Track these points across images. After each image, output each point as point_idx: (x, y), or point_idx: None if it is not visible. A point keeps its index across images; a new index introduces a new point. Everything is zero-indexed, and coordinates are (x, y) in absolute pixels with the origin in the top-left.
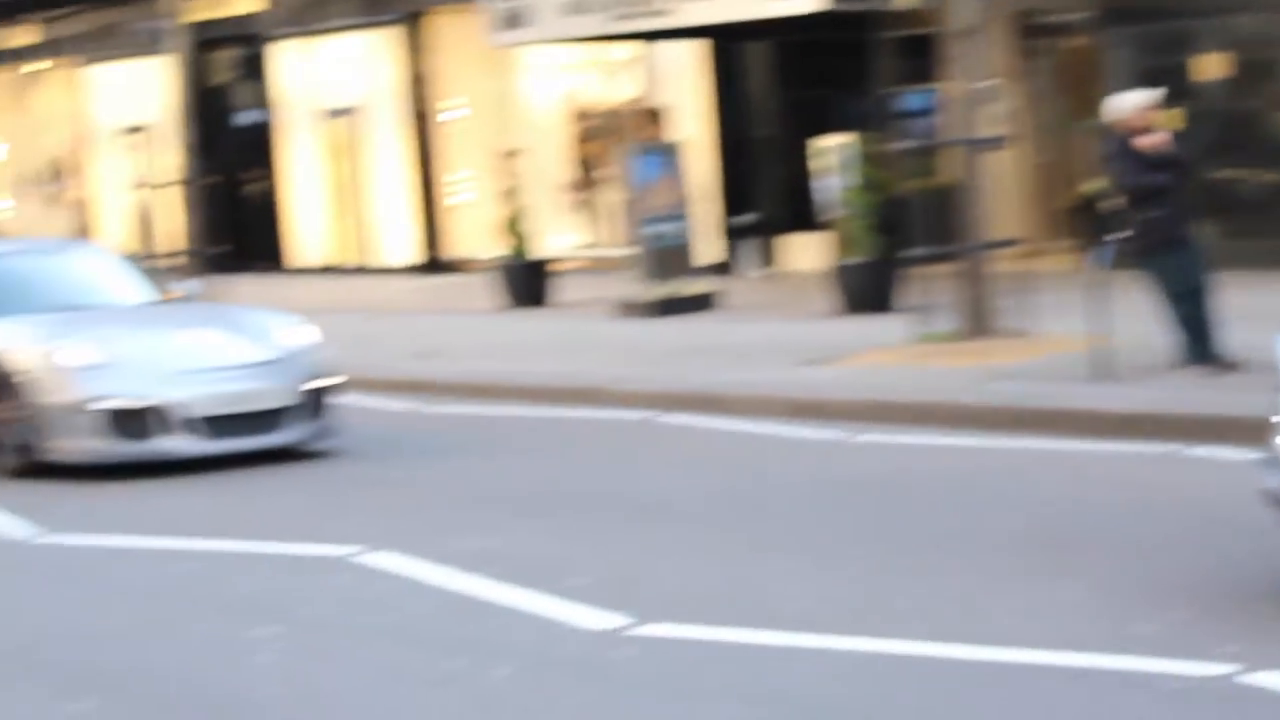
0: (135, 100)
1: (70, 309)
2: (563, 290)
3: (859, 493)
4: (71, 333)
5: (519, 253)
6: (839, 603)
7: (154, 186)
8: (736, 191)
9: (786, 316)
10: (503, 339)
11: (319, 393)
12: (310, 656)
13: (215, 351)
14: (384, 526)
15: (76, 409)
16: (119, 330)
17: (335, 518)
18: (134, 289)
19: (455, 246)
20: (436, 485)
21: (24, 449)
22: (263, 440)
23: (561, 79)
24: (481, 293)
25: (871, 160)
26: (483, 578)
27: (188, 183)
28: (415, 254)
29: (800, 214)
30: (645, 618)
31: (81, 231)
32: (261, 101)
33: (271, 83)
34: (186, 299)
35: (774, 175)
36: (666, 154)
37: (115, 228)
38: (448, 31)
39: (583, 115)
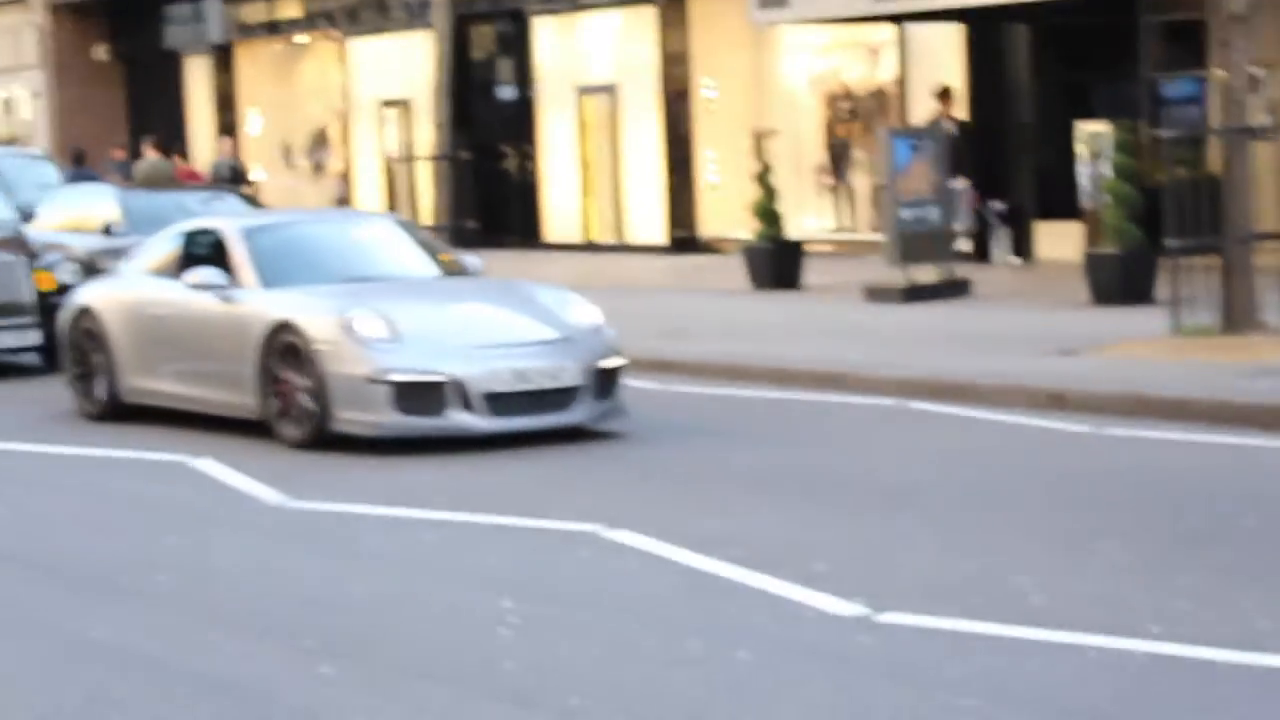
0: (395, 74)
1: (362, 280)
2: (812, 273)
3: (1108, 487)
4: (365, 304)
5: (770, 234)
6: (1083, 599)
7: (410, 160)
8: (992, 177)
9: (1039, 306)
10: (751, 320)
11: (608, 373)
12: (551, 630)
13: (505, 328)
14: (628, 504)
15: (368, 381)
16: (411, 303)
17: (579, 494)
18: (422, 262)
19: (706, 226)
20: (681, 465)
21: (314, 418)
22: (552, 419)
23: (817, 60)
24: (731, 274)
25: (1133, 148)
26: (724, 560)
27: (443, 157)
28: (666, 233)
29: (1056, 201)
30: (886, 606)
31: (341, 203)
32: (520, 77)
33: (530, 59)
34: (472, 274)
35: (1030, 161)
36: (925, 137)
37: (371, 200)
38: (706, 10)
39: (838, 97)
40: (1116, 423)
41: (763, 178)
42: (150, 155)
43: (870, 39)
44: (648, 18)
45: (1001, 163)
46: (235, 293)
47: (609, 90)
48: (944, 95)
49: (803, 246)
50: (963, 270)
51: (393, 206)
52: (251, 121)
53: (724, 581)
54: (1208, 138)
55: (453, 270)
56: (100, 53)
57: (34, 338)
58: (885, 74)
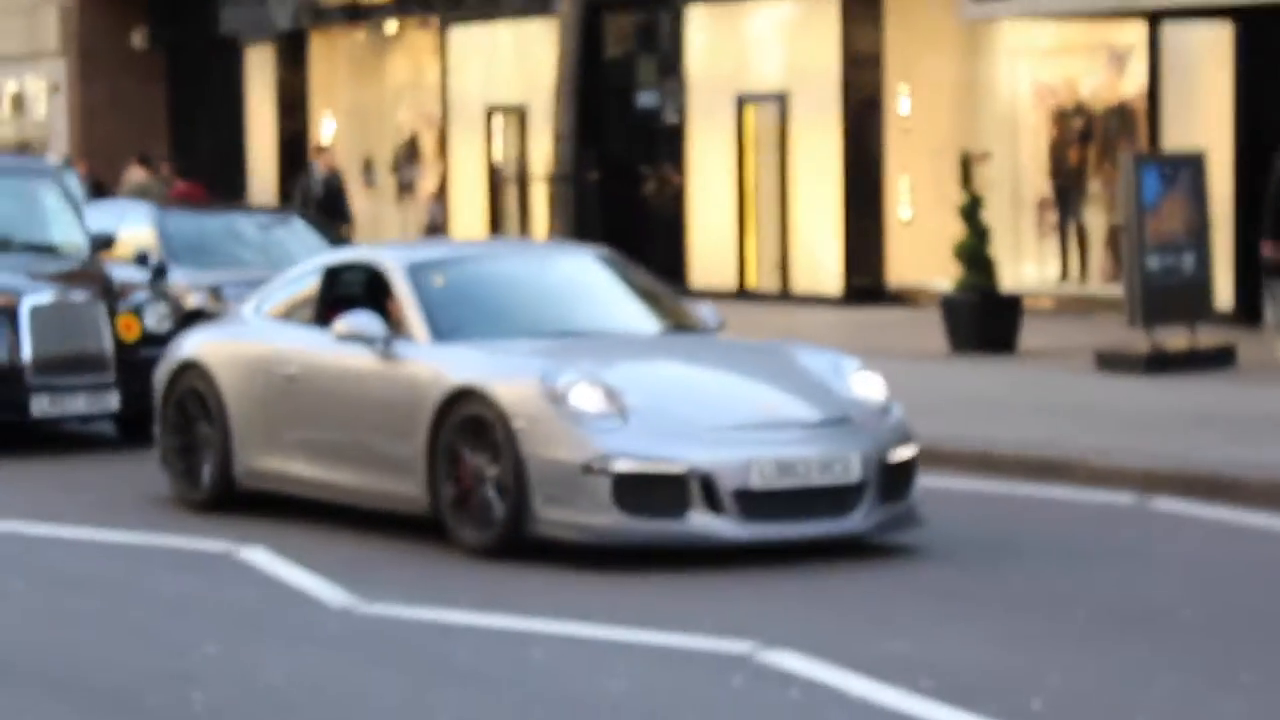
0: (507, 73)
1: (565, 335)
2: (1030, 334)
3: None
4: (577, 367)
5: (978, 284)
6: None
7: (523, 180)
8: (1261, 214)
9: None
10: (955, 392)
11: (900, 467)
12: None
13: (762, 403)
14: (789, 619)
15: (585, 471)
16: (635, 368)
17: (728, 603)
18: (641, 313)
19: (895, 273)
20: (859, 572)
21: (506, 518)
22: (827, 527)
23: (1044, 66)
24: (928, 332)
25: None
26: (911, 691)
27: (565, 177)
28: (844, 280)
29: None
30: None
31: (433, 231)
32: (665, 80)
33: (680, 57)
34: (708, 330)
35: None
36: (1182, 166)
37: (471, 229)
38: (901, 1)
39: (1068, 113)
40: None
41: (971, 213)
42: (136, 174)
43: (1114, 40)
44: (829, 9)
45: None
46: (400, 347)
47: (778, 99)
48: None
49: (1020, 301)
50: (1230, 334)
51: (495, 234)
52: (325, 128)
53: (908, 719)
54: None
55: (682, 324)
56: (138, 39)
57: (111, 401)
58: (1131, 85)
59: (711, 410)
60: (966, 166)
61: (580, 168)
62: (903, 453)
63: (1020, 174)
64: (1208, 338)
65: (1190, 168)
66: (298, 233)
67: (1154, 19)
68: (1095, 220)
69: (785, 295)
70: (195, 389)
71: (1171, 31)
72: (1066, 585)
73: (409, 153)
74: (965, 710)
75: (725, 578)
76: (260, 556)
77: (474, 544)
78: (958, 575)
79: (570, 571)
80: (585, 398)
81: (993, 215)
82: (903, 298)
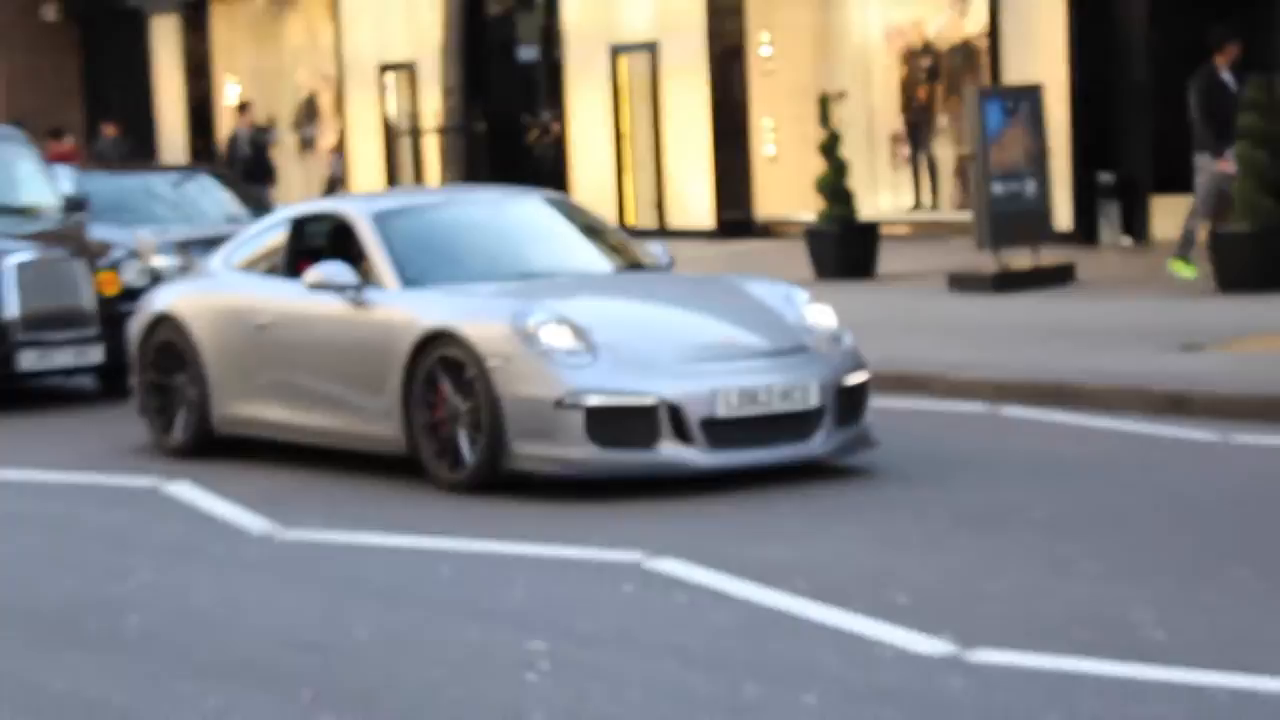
0: (397, 32)
1: (528, 276)
2: (888, 260)
3: (1234, 504)
4: (546, 306)
5: (839, 215)
6: (1210, 632)
7: (415, 133)
8: (1099, 145)
9: (1155, 294)
10: None
11: (854, 391)
12: (588, 675)
13: (723, 336)
14: (675, 531)
15: (558, 406)
16: (599, 305)
17: (620, 519)
18: (595, 253)
19: (762, 207)
20: (730, 483)
21: (482, 454)
22: (788, 452)
23: (893, 9)
24: (792, 261)
25: (1266, 108)
26: (789, 592)
27: (453, 129)
28: (715, 215)
29: (1174, 172)
30: (978, 643)
31: (334, 184)
32: (544, 34)
33: (556, 11)
34: (660, 267)
35: (1144, 126)
36: (1022, 99)
37: (369, 181)
38: None
39: (917, 53)
40: (1244, 428)
41: (830, 149)
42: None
43: None
44: None
45: (1111, 129)
46: (370, 294)
47: (648, 49)
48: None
49: (877, 229)
50: (1067, 254)
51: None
52: (229, 91)
53: (789, 616)
54: None
55: (635, 263)
56: (49, 12)
57: (95, 354)
58: (974, 25)
59: (675, 344)
60: (825, 106)
61: (468, 119)
62: (856, 378)
63: (874, 111)
64: (1049, 257)
65: (1029, 100)
66: (209, 189)
67: None
68: (944, 152)
69: (662, 231)
70: (170, 341)
71: None
72: (930, 490)
73: (308, 111)
74: (838, 607)
75: (617, 498)
76: (185, 489)
77: (451, 481)
78: (832, 485)
79: (472, 496)
80: (555, 336)
81: (850, 150)
82: (770, 230)
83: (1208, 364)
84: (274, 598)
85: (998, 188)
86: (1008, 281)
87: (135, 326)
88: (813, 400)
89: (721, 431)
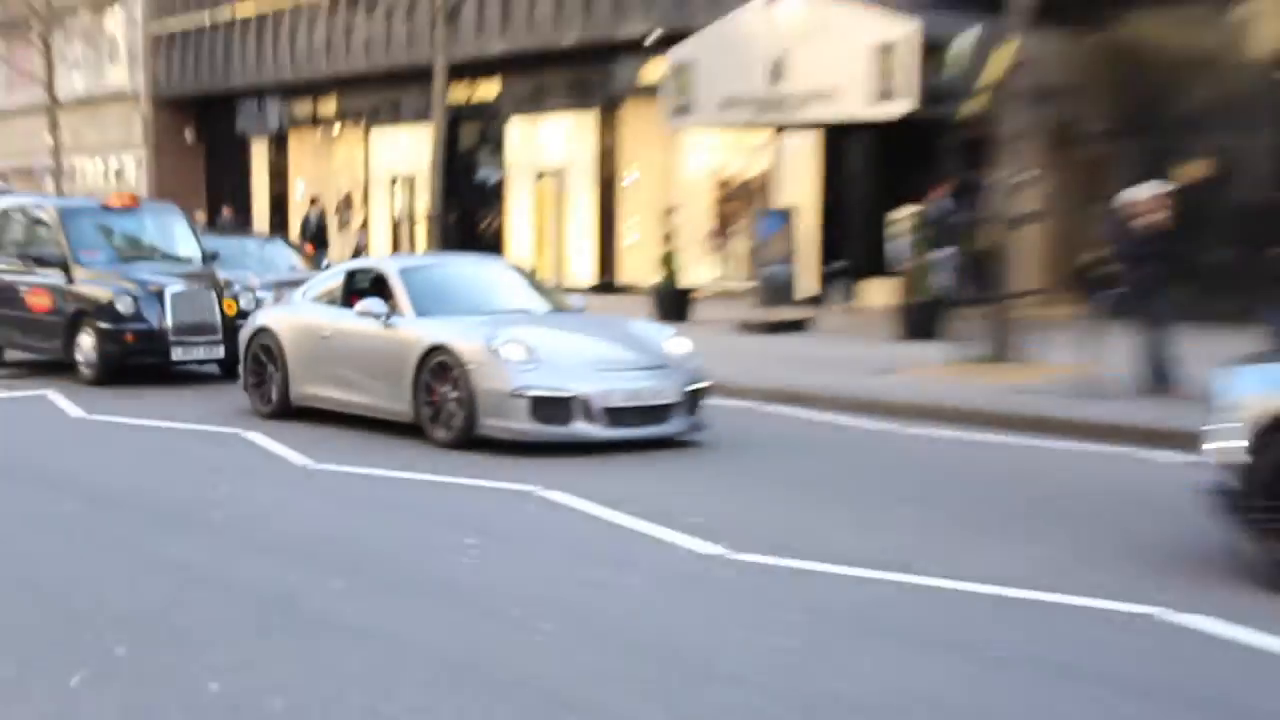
0: (403, 156)
1: (495, 312)
2: (700, 310)
3: (903, 470)
4: (506, 332)
5: (670, 281)
6: (875, 546)
7: (411, 219)
8: (831, 244)
9: (861, 339)
10: None
11: (696, 394)
12: (501, 560)
13: (618, 355)
14: (566, 473)
15: (511, 395)
16: (541, 332)
17: (525, 467)
18: (538, 300)
19: (624, 274)
20: (621, 446)
21: (462, 424)
22: (655, 430)
23: (711, 155)
24: (641, 309)
25: (933, 227)
26: (629, 514)
27: (435, 218)
28: (596, 277)
29: (876, 263)
30: (742, 549)
31: (359, 251)
32: (494, 162)
33: (503, 149)
34: (579, 310)
35: (860, 234)
36: (784, 216)
37: (382, 249)
38: (632, 115)
39: (723, 184)
40: (913, 424)
41: (667, 240)
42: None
43: (751, 142)
44: (590, 120)
45: (840, 235)
46: (395, 319)
47: (559, 174)
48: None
49: (694, 291)
50: (808, 312)
51: (396, 253)
52: (297, 189)
53: (625, 529)
54: (987, 222)
55: (560, 306)
56: (188, 136)
57: (220, 352)
58: (758, 167)
59: (586, 359)
60: (666, 214)
61: (444, 212)
62: (698, 385)
63: (697, 217)
64: (797, 314)
65: (788, 217)
66: (281, 250)
67: (775, 129)
68: (739, 245)
69: (560, 286)
70: (265, 344)
71: (786, 137)
72: (729, 454)
73: (346, 203)
74: (657, 524)
75: (542, 455)
76: (259, 437)
77: (443, 441)
78: (675, 451)
79: (453, 451)
80: (512, 351)
81: (681, 240)
82: (628, 289)
83: (891, 383)
84: (307, 506)
85: (767, 270)
86: (773, 328)
87: (244, 334)
88: (670, 398)
89: (614, 415)
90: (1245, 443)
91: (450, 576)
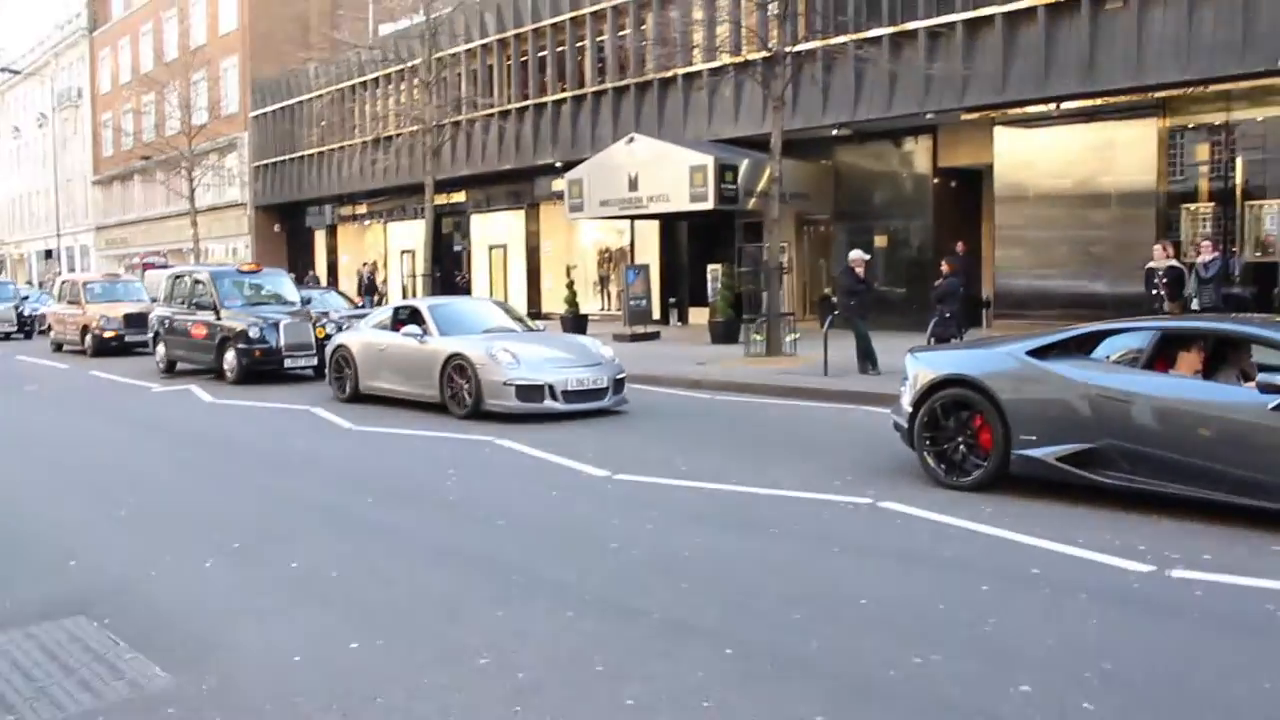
0: (409, 238)
1: (489, 331)
2: (592, 329)
3: (719, 421)
4: (498, 344)
5: (573, 311)
6: (703, 467)
7: (413, 276)
8: (669, 286)
9: (690, 344)
10: None
11: (620, 381)
12: (476, 484)
13: (571, 358)
14: (522, 430)
15: (504, 384)
16: (520, 344)
17: (505, 426)
18: (515, 323)
19: (545, 307)
20: (573, 416)
21: (473, 403)
22: (593, 405)
23: (596, 233)
24: (555, 329)
25: (730, 275)
26: (555, 454)
27: (427, 275)
28: (527, 309)
29: (698, 297)
30: (621, 472)
31: (383, 298)
32: (464, 240)
33: (469, 230)
34: (542, 330)
35: (686, 280)
36: (642, 269)
37: (396, 297)
38: (547, 211)
39: (603, 251)
40: (721, 394)
41: (569, 285)
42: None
43: (618, 226)
44: (521, 214)
45: (675, 280)
46: (426, 339)
47: (503, 246)
48: (367, 264)
49: (588, 317)
50: (658, 329)
51: (405, 297)
52: (343, 259)
53: (550, 462)
54: (761, 272)
55: (529, 327)
56: (276, 228)
57: (313, 361)
58: (625, 241)
59: (551, 360)
60: (568, 270)
61: (433, 273)
62: (620, 375)
63: (588, 271)
64: (649, 329)
65: (645, 269)
66: (335, 297)
67: (631, 219)
68: (614, 287)
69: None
70: (343, 355)
71: (639, 224)
72: (629, 417)
73: (372, 268)
74: (569, 459)
75: (518, 421)
76: (321, 412)
77: (459, 415)
78: (606, 417)
79: (466, 420)
80: (504, 355)
81: (578, 285)
82: (548, 316)
83: (708, 370)
84: (353, 454)
85: (632, 302)
86: (636, 338)
87: (328, 350)
88: (605, 384)
89: (569, 396)
90: (913, 399)
91: (438, 494)
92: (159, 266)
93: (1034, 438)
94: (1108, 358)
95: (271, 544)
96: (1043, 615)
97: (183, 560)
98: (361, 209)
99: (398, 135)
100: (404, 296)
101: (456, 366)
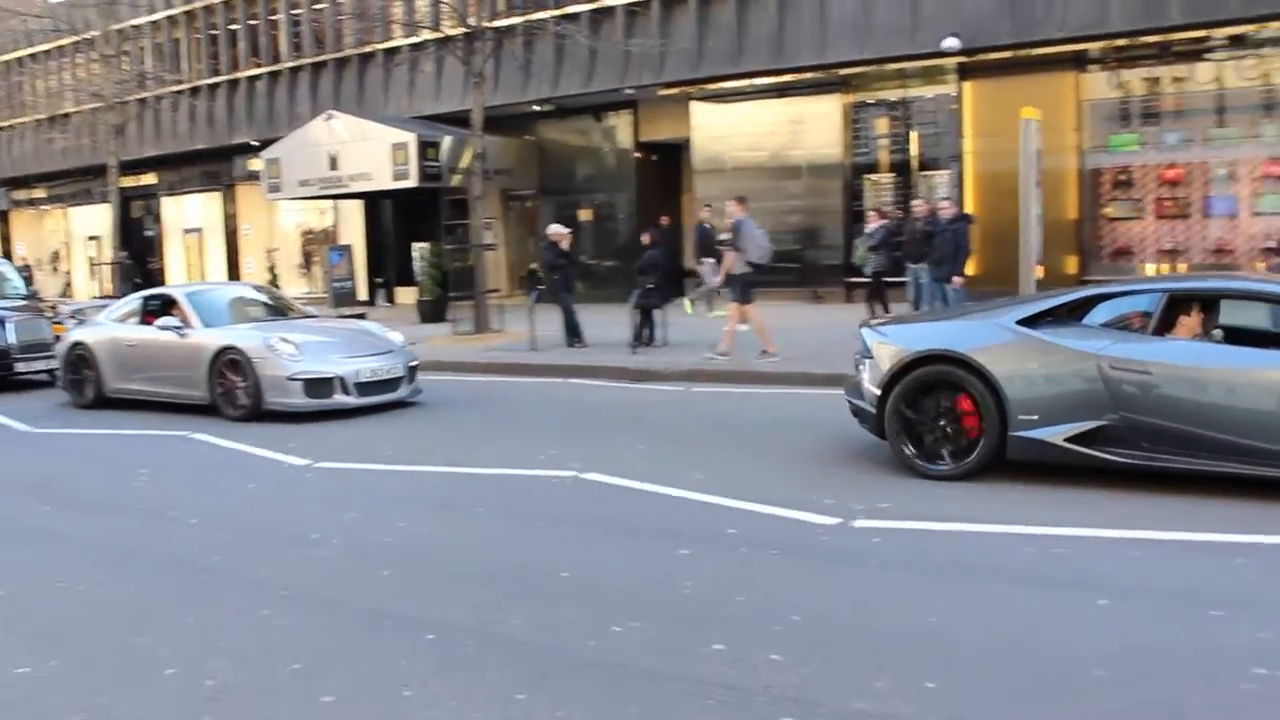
0: (95, 223)
1: (259, 321)
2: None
3: (430, 398)
4: (277, 334)
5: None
6: (412, 450)
7: (102, 263)
8: (377, 267)
9: (398, 324)
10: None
11: (414, 369)
12: (168, 482)
13: (360, 346)
14: (218, 427)
15: (288, 379)
16: (299, 333)
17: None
18: (283, 311)
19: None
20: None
21: (251, 403)
22: (388, 396)
23: (297, 215)
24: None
25: (436, 253)
26: (249, 445)
27: (116, 262)
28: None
29: (404, 277)
30: (319, 460)
31: (66, 289)
32: (156, 225)
33: (160, 217)
34: (315, 316)
35: (392, 260)
36: (344, 250)
37: (83, 285)
38: (246, 191)
39: (306, 231)
40: (433, 373)
41: (271, 269)
42: None
43: (321, 205)
44: (219, 197)
45: (380, 260)
46: (188, 331)
47: (199, 231)
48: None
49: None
50: (364, 309)
51: (99, 284)
52: (19, 250)
53: (249, 454)
54: (470, 249)
55: (301, 315)
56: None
57: (54, 364)
58: (328, 222)
59: (339, 349)
60: (270, 253)
61: (123, 259)
62: (415, 363)
63: (291, 253)
64: (355, 310)
65: (349, 250)
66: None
67: (333, 199)
68: (319, 270)
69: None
70: (81, 353)
71: (342, 203)
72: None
73: (55, 256)
74: (295, 457)
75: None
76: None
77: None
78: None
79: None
80: (283, 347)
81: (281, 268)
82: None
83: (420, 349)
84: (29, 459)
85: (336, 284)
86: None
87: (59, 348)
88: (399, 373)
89: (362, 388)
90: (882, 380)
91: (126, 496)
92: None
93: (1035, 417)
94: (1103, 325)
95: None
96: (737, 574)
97: None
98: (39, 192)
99: (76, 112)
100: (99, 286)
101: (229, 362)
